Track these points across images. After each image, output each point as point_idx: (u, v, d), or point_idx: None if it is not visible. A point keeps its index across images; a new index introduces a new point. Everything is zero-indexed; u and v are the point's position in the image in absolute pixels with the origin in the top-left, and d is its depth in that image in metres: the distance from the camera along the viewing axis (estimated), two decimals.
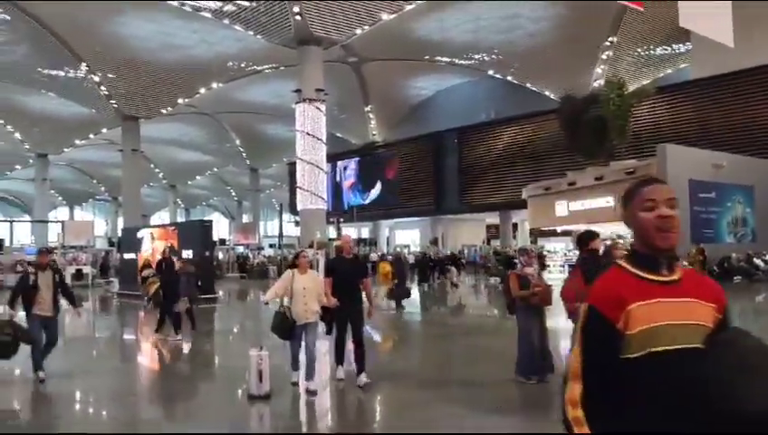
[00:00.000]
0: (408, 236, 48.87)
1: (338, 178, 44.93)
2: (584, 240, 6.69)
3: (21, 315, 8.11)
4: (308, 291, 7.04)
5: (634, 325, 1.67)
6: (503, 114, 37.03)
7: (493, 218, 42.00)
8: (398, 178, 42.05)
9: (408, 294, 18.15)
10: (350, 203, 44.14)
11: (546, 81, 34.36)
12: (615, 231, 20.33)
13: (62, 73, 33.48)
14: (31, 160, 49.07)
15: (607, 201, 20.11)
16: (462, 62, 35.27)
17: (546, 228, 28.17)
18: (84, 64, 31.70)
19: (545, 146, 33.12)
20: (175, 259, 14.14)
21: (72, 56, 30.85)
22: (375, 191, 43.40)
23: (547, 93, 34.53)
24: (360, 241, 46.37)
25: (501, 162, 36.70)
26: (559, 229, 27.02)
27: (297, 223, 34.32)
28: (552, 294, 7.72)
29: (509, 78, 35.70)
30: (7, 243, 40.99)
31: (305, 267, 7.28)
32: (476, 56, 34.42)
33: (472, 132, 38.73)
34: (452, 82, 40.46)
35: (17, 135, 43.81)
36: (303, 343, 7.12)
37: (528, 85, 35.39)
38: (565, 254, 28.74)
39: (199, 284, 14.73)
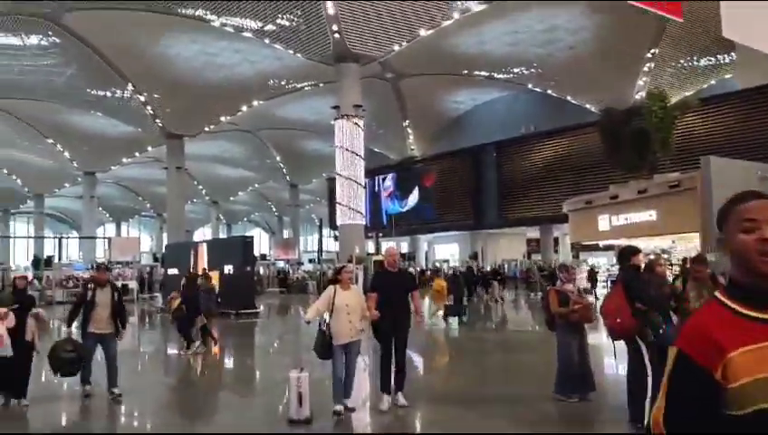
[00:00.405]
0: (446, 250, 48.69)
1: (376, 191, 45.12)
2: (626, 255, 6.61)
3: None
4: (351, 308, 6.70)
5: (736, 376, 1.34)
6: (542, 128, 36.76)
7: (533, 233, 41.58)
8: (436, 189, 42.02)
9: (464, 312, 18.10)
10: (389, 211, 44.23)
11: (586, 93, 33.98)
12: (658, 246, 19.95)
13: (109, 94, 34.52)
14: (79, 178, 50.52)
15: (650, 215, 19.71)
16: (500, 75, 35.17)
17: (588, 243, 27.74)
18: (131, 85, 32.63)
19: (586, 159, 32.71)
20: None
21: (120, 77, 31.80)
22: (413, 198, 43.41)
23: (587, 106, 34.13)
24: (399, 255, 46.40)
25: (541, 176, 36.39)
26: (601, 244, 26.57)
27: (336, 238, 34.53)
28: (592, 311, 7.62)
29: (548, 91, 35.43)
30: (56, 259, 42.13)
31: (348, 283, 6.93)
32: (515, 70, 34.29)
33: (511, 146, 38.53)
34: (490, 95, 40.34)
35: (66, 154, 45.22)
36: (345, 363, 6.74)
37: (568, 98, 35.05)
38: (608, 269, 28.23)
39: (219, 300, 15.12)
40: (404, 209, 43.81)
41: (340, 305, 6.67)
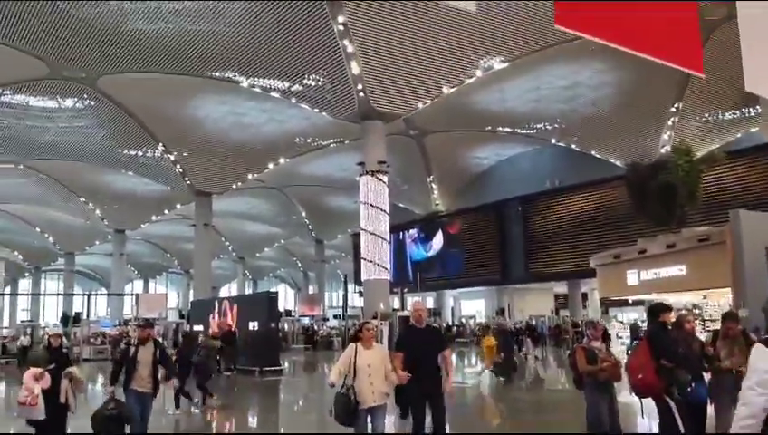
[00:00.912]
0: (473, 306, 48.14)
1: (401, 245, 45.07)
2: (655, 312, 6.47)
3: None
4: (374, 368, 6.14)
5: None
6: (567, 182, 36.71)
7: (560, 288, 41.03)
8: (461, 243, 41.84)
9: (515, 368, 17.82)
10: (413, 257, 43.97)
11: (611, 147, 34.00)
12: (689, 301, 19.51)
13: (140, 154, 35.45)
14: (109, 236, 51.44)
15: (680, 269, 19.35)
16: (524, 131, 35.42)
17: (617, 298, 27.26)
18: (161, 145, 33.49)
19: (613, 213, 32.49)
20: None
21: (151, 138, 32.69)
22: (437, 242, 43.12)
23: (613, 160, 34.09)
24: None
25: (567, 230, 36.15)
26: (630, 299, 26.09)
27: (361, 293, 34.41)
28: (621, 370, 7.44)
29: (572, 146, 35.54)
30: (84, 316, 42.54)
31: (370, 341, 6.39)
32: (538, 125, 34.55)
33: (536, 200, 38.47)
34: (514, 151, 40.56)
35: (98, 212, 46.19)
36: (370, 432, 6.19)
37: (592, 153, 35.09)
38: (638, 325, 27.58)
39: (218, 358, 15.26)
40: (428, 254, 43.52)
41: (362, 366, 6.14)
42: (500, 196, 40.30)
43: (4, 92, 28.13)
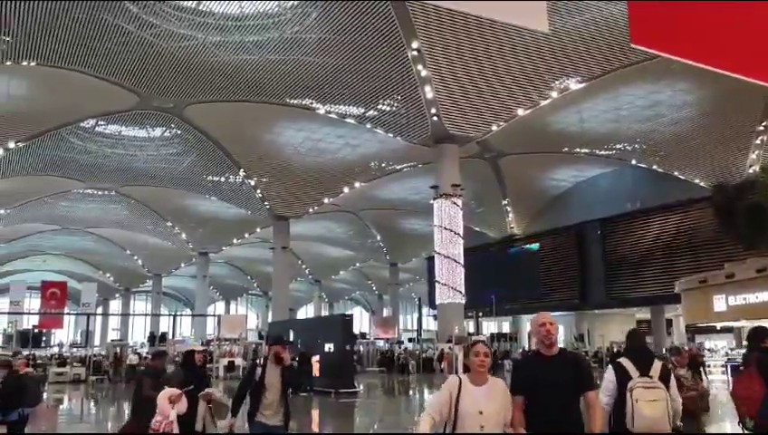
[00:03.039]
0: None
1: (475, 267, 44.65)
2: (759, 336, 6.17)
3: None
4: (488, 417, 3.93)
5: None
6: (649, 203, 35.51)
7: (643, 313, 39.55)
8: (539, 267, 41.11)
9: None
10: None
11: (695, 168, 32.72)
12: None
13: (223, 179, 36.89)
14: (194, 259, 53.48)
15: None
16: (603, 152, 34.61)
17: (703, 324, 26.07)
18: (242, 171, 34.74)
19: (699, 236, 31.22)
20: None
21: (233, 164, 33.98)
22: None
23: (697, 181, 32.79)
24: (500, 336, 45.28)
25: (650, 254, 34.92)
26: (718, 326, 24.90)
27: (435, 317, 34.29)
28: (708, 399, 7.14)
29: (654, 166, 34.41)
30: (170, 335, 44.27)
31: (483, 373, 4.10)
32: (618, 146, 33.67)
33: (617, 223, 37.41)
34: (593, 172, 39.63)
35: (183, 236, 48.18)
36: None
37: (675, 173, 33.87)
38: (727, 353, 26.27)
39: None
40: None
41: (469, 412, 3.93)
42: (578, 218, 39.41)
43: (100, 123, 29.99)
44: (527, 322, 47.30)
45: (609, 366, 4.83)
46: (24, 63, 22.69)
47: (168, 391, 5.96)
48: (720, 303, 20.30)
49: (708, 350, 27.33)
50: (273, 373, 6.25)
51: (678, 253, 32.94)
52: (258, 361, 6.76)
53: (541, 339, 4.43)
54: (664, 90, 27.10)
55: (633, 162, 35.19)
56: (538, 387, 4.20)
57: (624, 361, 4.87)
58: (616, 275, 36.98)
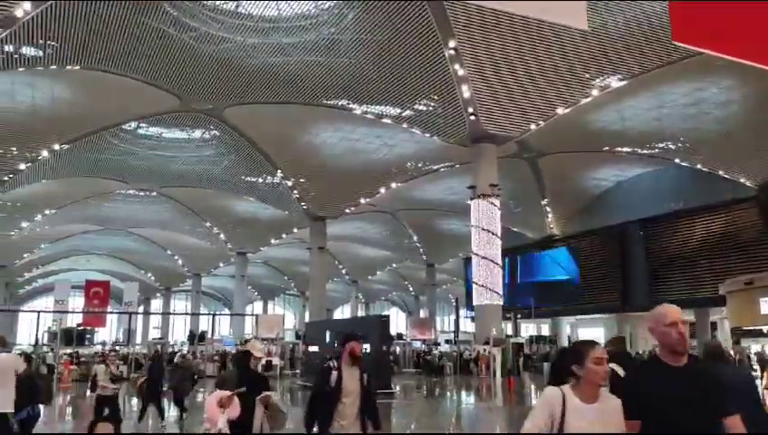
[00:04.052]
0: (590, 334, 46.17)
1: (514, 268, 44.23)
2: None
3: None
4: None
5: None
6: (693, 203, 34.62)
7: (686, 315, 38.53)
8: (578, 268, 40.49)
9: None
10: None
11: (740, 167, 31.76)
12: None
13: (260, 180, 37.25)
14: (232, 259, 54.17)
15: None
16: (645, 151, 33.85)
17: (750, 328, 25.28)
18: (280, 171, 35.01)
19: (744, 237, 30.31)
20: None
21: (270, 165, 34.27)
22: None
23: (742, 180, 31.84)
24: (539, 338, 44.72)
25: (694, 255, 34.07)
26: (765, 329, 24.12)
27: (473, 318, 34.02)
28: None
29: (698, 166, 33.53)
30: (209, 334, 44.88)
31: (596, 388, 3.12)
32: (660, 145, 32.87)
33: (660, 223, 36.58)
34: (634, 171, 38.80)
35: (222, 236, 48.83)
36: None
37: (720, 172, 32.94)
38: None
39: (196, 378, 15.85)
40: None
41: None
42: (620, 218, 38.64)
43: (141, 125, 30.55)
44: (567, 324, 46.64)
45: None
46: (69, 67, 23.24)
47: (217, 394, 5.21)
48: (767, 305, 19.68)
49: (755, 353, 26.44)
50: (350, 376, 5.38)
51: (723, 254, 32.07)
52: (331, 363, 5.48)
53: (671, 344, 3.26)
54: (708, 87, 26.34)
55: (676, 161, 34.34)
56: (664, 409, 3.08)
57: (613, 365, 4.76)
58: (659, 276, 36.17)
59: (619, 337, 5.61)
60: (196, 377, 16.36)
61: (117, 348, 18.32)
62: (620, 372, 4.92)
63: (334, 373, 5.35)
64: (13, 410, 6.50)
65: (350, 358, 5.43)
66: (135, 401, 17.68)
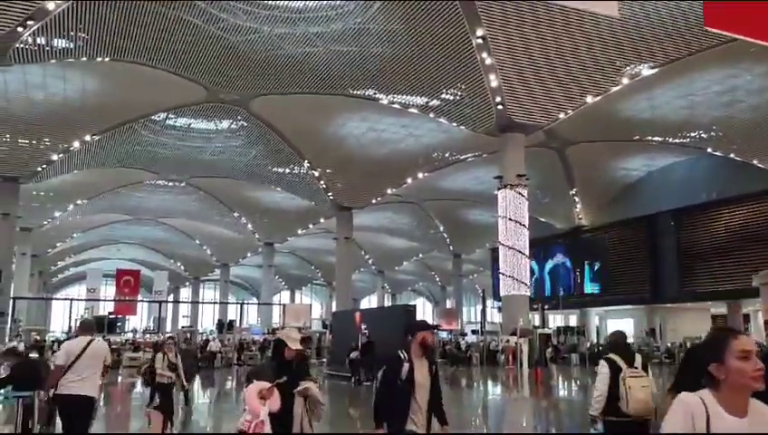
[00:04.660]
0: (619, 325, 45.56)
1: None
2: None
3: None
4: None
5: None
6: (725, 193, 33.94)
7: (718, 308, 37.93)
8: (607, 259, 40.04)
9: None
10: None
11: None
12: None
13: (287, 171, 37.41)
14: (260, 249, 54.60)
15: None
16: (676, 140, 33.23)
17: None
18: (306, 162, 35.12)
19: None
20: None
21: (297, 155, 34.39)
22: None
23: None
24: (566, 329, 44.36)
25: (726, 246, 33.44)
26: None
27: (500, 309, 33.84)
28: None
29: (731, 155, 32.82)
30: (237, 323, 45.38)
31: (746, 392, 2.33)
32: (692, 134, 32.24)
33: (691, 214, 35.96)
34: (666, 161, 38.15)
35: (249, 226, 49.24)
36: None
37: (754, 162, 32.21)
38: None
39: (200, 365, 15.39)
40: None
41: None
42: (650, 209, 38.07)
43: (169, 116, 30.86)
44: (596, 316, 46.12)
45: (602, 361, 5.84)
46: (99, 59, 23.54)
47: (257, 385, 4.74)
48: None
49: None
50: (421, 369, 4.89)
51: (757, 245, 31.41)
52: (401, 353, 4.94)
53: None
54: (741, 74, 25.73)
55: (709, 150, 33.67)
56: None
57: (614, 356, 5.82)
58: (690, 267, 35.59)
59: (619, 332, 6.28)
60: (200, 363, 16.33)
61: (174, 335, 18.28)
62: (618, 360, 5.72)
63: (406, 365, 4.81)
64: (97, 396, 6.81)
65: (420, 349, 4.93)
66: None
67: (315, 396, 5.07)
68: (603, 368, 5.80)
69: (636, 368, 5.72)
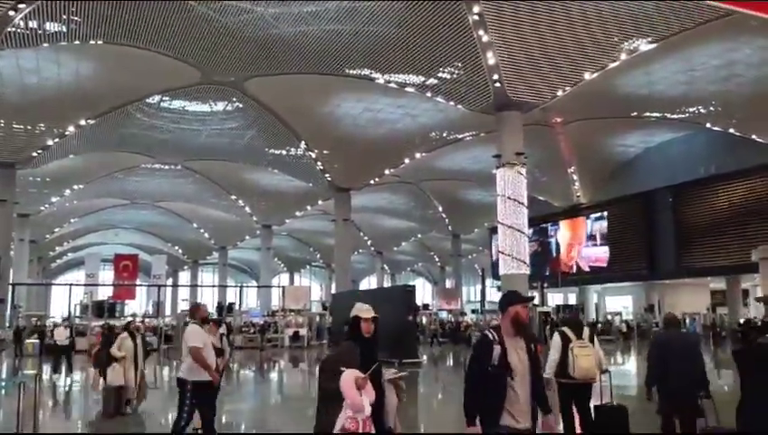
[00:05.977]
0: (618, 302, 45.87)
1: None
2: None
3: None
4: None
5: None
6: (724, 169, 33.89)
7: (717, 283, 38.07)
8: (606, 236, 40.03)
9: None
10: None
11: None
12: None
13: (284, 152, 37.23)
14: (257, 231, 54.54)
15: None
16: (674, 116, 33.06)
17: None
18: (303, 143, 34.94)
19: None
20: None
21: (294, 136, 34.20)
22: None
23: None
24: (565, 307, 44.51)
25: (725, 221, 33.47)
26: None
27: (499, 288, 33.88)
28: None
29: (730, 130, 32.68)
30: (237, 306, 45.44)
31: None
32: (691, 109, 32.06)
33: (689, 189, 35.94)
34: (663, 137, 38.02)
35: (247, 209, 49.13)
36: None
37: (753, 137, 32.09)
38: None
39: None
40: None
41: None
42: (648, 185, 38.05)
43: (164, 99, 30.61)
44: (594, 293, 46.28)
45: (555, 333, 7.16)
46: (92, 43, 23.26)
47: (351, 374, 4.03)
48: None
49: None
50: (516, 350, 4.07)
51: (755, 220, 31.45)
52: (489, 333, 4.15)
53: None
54: (740, 48, 25.48)
55: (707, 126, 33.53)
56: None
57: (565, 329, 7.02)
58: (688, 243, 35.65)
59: (572, 307, 7.27)
60: (149, 348, 16.03)
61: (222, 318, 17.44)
62: (569, 332, 6.98)
63: (497, 348, 4.00)
64: (189, 378, 6.97)
65: (513, 326, 4.10)
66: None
67: (401, 385, 4.48)
68: (556, 338, 7.02)
69: (582, 339, 6.89)
